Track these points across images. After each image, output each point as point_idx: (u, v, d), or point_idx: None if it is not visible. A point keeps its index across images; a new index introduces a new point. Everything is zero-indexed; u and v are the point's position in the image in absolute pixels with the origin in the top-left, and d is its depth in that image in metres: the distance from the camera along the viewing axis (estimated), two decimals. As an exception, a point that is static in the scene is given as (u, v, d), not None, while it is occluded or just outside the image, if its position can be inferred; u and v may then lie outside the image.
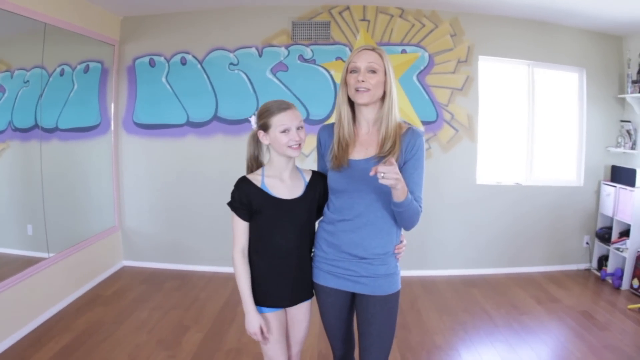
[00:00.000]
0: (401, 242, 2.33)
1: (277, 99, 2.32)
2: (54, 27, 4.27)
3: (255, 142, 2.36)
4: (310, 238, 2.39)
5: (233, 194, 2.28)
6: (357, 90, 2.16)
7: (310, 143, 5.22)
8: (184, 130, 5.41)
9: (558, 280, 5.38)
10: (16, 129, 4.05)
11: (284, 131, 2.20)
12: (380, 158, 2.15)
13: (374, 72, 2.15)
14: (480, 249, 5.56)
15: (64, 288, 4.54)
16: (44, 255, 4.29)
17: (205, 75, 5.33)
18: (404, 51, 5.25)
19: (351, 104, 2.27)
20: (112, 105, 5.36)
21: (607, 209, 5.40)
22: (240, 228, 2.29)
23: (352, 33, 5.25)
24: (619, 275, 5.10)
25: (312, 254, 2.41)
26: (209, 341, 3.90)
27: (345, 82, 2.23)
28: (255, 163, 2.40)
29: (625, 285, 5.03)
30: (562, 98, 5.66)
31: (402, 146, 2.17)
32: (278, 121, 2.21)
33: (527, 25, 5.35)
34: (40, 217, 4.28)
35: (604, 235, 5.44)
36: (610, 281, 5.25)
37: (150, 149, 5.48)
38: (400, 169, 2.14)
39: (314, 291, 2.42)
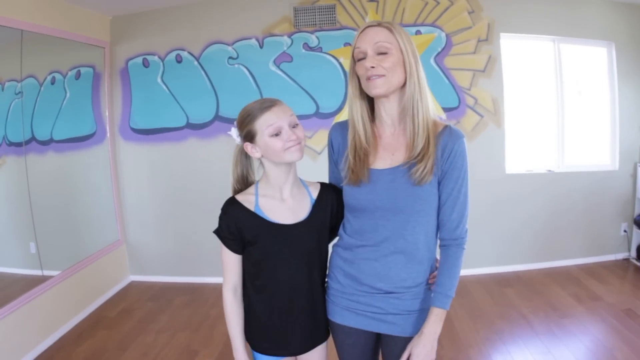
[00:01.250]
0: (437, 267, 1.88)
1: (268, 97, 1.85)
2: (39, 34, 3.99)
3: (245, 158, 1.92)
4: (321, 268, 1.95)
5: (220, 220, 1.85)
6: (368, 79, 1.70)
7: (322, 139, 5.02)
8: (185, 133, 5.04)
9: (596, 273, 4.96)
10: (11, 144, 3.83)
11: (275, 134, 1.75)
12: (412, 165, 1.71)
13: (384, 53, 1.69)
14: (512, 244, 5.14)
15: (66, 311, 4.27)
16: (49, 273, 4.07)
17: (203, 72, 4.94)
18: (418, 32, 4.79)
19: (369, 99, 1.83)
20: (107, 112, 5.00)
21: (645, 193, 4.94)
22: (231, 262, 1.89)
23: (360, 15, 4.80)
24: (660, 264, 4.67)
25: (325, 284, 1.97)
26: (219, 369, 3.56)
27: (354, 74, 1.79)
28: (243, 185, 1.96)
29: (669, 275, 4.60)
30: (591, 75, 5.16)
31: (437, 150, 1.72)
32: (264, 123, 1.76)
33: (550, -5, 4.86)
34: (42, 235, 4.05)
35: (643, 222, 4.99)
36: (652, 271, 4.81)
37: (149, 155, 5.14)
38: (439, 182, 1.74)
39: (331, 330, 1.98)
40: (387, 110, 1.80)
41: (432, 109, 1.78)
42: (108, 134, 5.04)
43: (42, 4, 4.06)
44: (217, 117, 4.98)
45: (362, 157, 1.80)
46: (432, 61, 4.80)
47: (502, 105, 4.89)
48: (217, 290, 4.99)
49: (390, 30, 1.72)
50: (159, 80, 4.99)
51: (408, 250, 1.78)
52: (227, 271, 1.90)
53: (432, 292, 1.79)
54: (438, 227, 1.83)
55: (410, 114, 1.74)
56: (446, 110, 4.86)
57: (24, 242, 3.99)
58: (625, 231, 5.25)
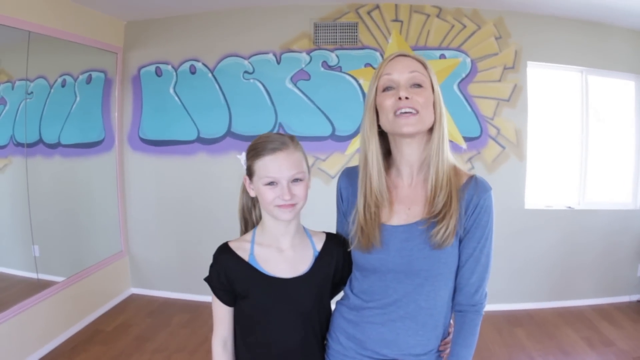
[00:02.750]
0: (449, 333, 1.70)
1: (283, 136, 1.65)
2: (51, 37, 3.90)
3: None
4: (321, 327, 1.75)
5: (211, 268, 1.68)
6: (398, 113, 1.49)
7: (337, 162, 4.87)
8: (195, 148, 4.88)
9: (610, 315, 4.80)
10: (18, 144, 3.74)
11: (269, 183, 1.57)
12: (432, 225, 1.52)
13: (419, 86, 1.49)
14: (526, 282, 4.97)
15: (63, 321, 4.16)
16: (50, 278, 4.02)
17: (217, 85, 4.77)
18: (442, 56, 4.60)
19: (384, 139, 1.62)
20: (116, 120, 4.86)
21: (665, 235, 4.75)
22: (221, 313, 1.70)
23: (382, 36, 4.62)
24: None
25: (324, 344, 1.78)
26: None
27: (373, 106, 1.57)
28: (249, 216, 1.79)
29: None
30: (618, 109, 4.97)
31: (462, 205, 1.54)
32: (262, 167, 1.58)
33: (579, 26, 4.65)
34: (45, 238, 4.00)
35: (661, 265, 4.81)
36: (665, 316, 4.64)
37: (157, 167, 4.99)
38: (460, 240, 1.56)
39: None
40: (407, 155, 1.60)
41: (451, 155, 1.60)
42: (116, 143, 4.90)
43: (54, 6, 3.93)
44: (229, 133, 4.82)
45: (373, 211, 1.60)
46: (455, 87, 4.62)
47: (525, 137, 4.71)
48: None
49: (425, 66, 1.54)
50: (171, 90, 4.83)
51: (421, 316, 1.60)
52: (217, 322, 1.72)
53: None
54: (455, 290, 1.66)
55: (434, 162, 1.55)
56: (467, 139, 4.68)
57: (26, 244, 3.89)
58: (641, 272, 5.10)
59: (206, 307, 4.95)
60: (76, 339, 4.20)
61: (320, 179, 4.80)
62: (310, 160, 4.70)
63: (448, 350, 1.71)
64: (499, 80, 4.64)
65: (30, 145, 3.89)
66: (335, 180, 4.52)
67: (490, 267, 1.61)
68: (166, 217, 5.10)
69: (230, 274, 1.65)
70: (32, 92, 3.86)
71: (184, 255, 5.12)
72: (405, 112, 1.49)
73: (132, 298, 5.15)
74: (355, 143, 4.73)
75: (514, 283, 4.96)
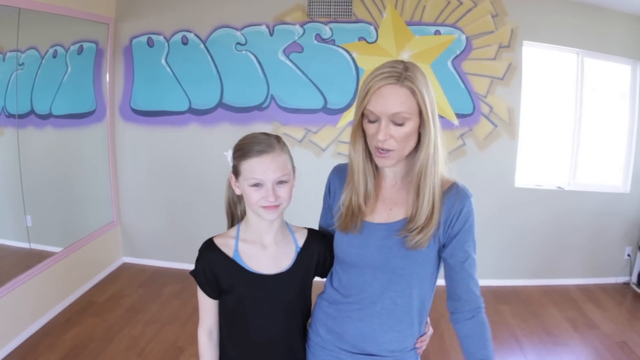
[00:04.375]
0: (425, 333, 1.76)
1: (270, 137, 1.65)
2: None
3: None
4: (303, 319, 1.80)
5: (196, 263, 1.71)
6: (376, 149, 1.52)
7: (328, 135, 4.87)
8: (186, 118, 4.87)
9: (595, 296, 4.86)
10: (10, 115, 3.73)
11: (254, 185, 1.59)
12: (410, 231, 1.55)
13: (401, 124, 1.48)
14: (514, 259, 5.03)
15: (56, 294, 4.20)
16: (43, 248, 4.07)
17: (209, 57, 4.72)
18: (437, 32, 4.55)
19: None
20: (108, 90, 4.82)
21: (654, 221, 4.76)
22: (207, 305, 1.74)
23: (377, 10, 4.55)
24: (660, 297, 4.54)
25: (306, 336, 1.84)
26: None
27: (360, 125, 1.57)
28: (235, 211, 1.81)
29: (665, 310, 4.48)
30: (613, 93, 4.93)
31: (443, 212, 1.56)
32: (248, 169, 1.59)
33: (577, 8, 4.57)
34: (37, 209, 4.02)
35: (648, 250, 4.83)
36: (649, 301, 4.68)
37: (149, 138, 4.98)
38: (442, 245, 1.60)
39: None
40: (392, 169, 1.64)
41: (443, 166, 1.60)
42: (108, 113, 4.87)
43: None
44: (221, 104, 4.79)
45: (356, 212, 1.64)
46: (449, 64, 4.58)
47: (518, 116, 4.69)
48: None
49: (413, 92, 1.47)
50: (163, 61, 4.78)
51: (396, 312, 1.64)
52: (202, 314, 1.77)
53: None
54: (431, 291, 1.70)
55: (422, 177, 1.55)
56: (459, 116, 4.67)
57: (19, 214, 3.91)
58: (628, 255, 5.11)
59: (197, 277, 5.04)
60: (69, 311, 4.24)
61: (311, 152, 4.82)
62: (302, 133, 4.79)
63: (424, 347, 1.77)
64: (494, 59, 4.59)
65: (21, 117, 3.87)
66: (326, 153, 4.50)
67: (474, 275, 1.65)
68: (158, 187, 5.11)
69: (215, 269, 1.68)
70: (23, 64, 3.82)
71: (175, 225, 5.16)
72: (381, 152, 1.51)
73: (124, 267, 5.21)
74: (347, 116, 4.73)
75: (501, 259, 5.02)
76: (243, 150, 1.61)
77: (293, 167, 1.70)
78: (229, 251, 1.70)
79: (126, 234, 5.26)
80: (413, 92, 1.47)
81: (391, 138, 1.49)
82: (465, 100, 4.66)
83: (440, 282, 1.68)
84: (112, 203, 5.09)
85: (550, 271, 5.09)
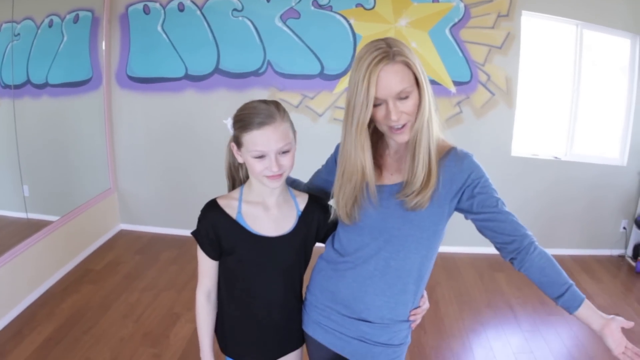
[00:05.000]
0: (419, 306, 1.79)
1: (270, 107, 1.62)
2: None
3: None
4: (300, 284, 1.87)
5: (199, 223, 1.73)
6: (391, 129, 1.54)
7: (325, 100, 4.86)
8: (183, 85, 4.85)
9: (590, 268, 4.87)
10: (6, 86, 3.74)
11: (258, 156, 1.60)
12: (409, 193, 1.58)
13: (406, 98, 1.50)
14: (509, 228, 5.02)
15: (54, 262, 4.23)
16: (40, 217, 4.09)
17: (205, 23, 4.68)
18: (435, 0, 4.51)
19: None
20: (104, 58, 4.80)
21: (650, 194, 4.75)
22: (207, 266, 1.77)
23: (375, -23, 4.52)
24: (654, 271, 4.55)
25: (302, 297, 1.91)
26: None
27: (365, 123, 1.56)
28: (236, 174, 1.83)
29: (660, 284, 4.48)
30: (611, 66, 4.89)
31: (441, 176, 1.58)
32: (250, 141, 1.59)
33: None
34: (34, 179, 4.05)
35: (644, 223, 4.82)
36: (645, 276, 4.67)
37: (145, 104, 4.96)
38: (463, 211, 1.65)
39: (305, 337, 1.92)
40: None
41: (438, 129, 1.62)
42: (104, 81, 4.86)
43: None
44: (217, 70, 4.78)
45: (356, 198, 1.65)
46: (447, 31, 4.55)
47: (516, 85, 4.67)
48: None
49: (407, 65, 1.49)
50: (159, 28, 4.74)
51: (388, 275, 1.66)
52: (202, 275, 1.80)
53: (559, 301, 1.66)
54: (429, 262, 1.72)
55: (420, 141, 1.56)
56: (457, 84, 4.66)
57: (17, 184, 3.92)
58: (624, 228, 5.12)
59: (193, 243, 5.00)
60: (67, 279, 4.27)
61: (308, 117, 4.83)
62: (298, 99, 4.78)
63: (418, 321, 1.79)
64: (492, 27, 4.55)
65: (17, 87, 3.87)
66: (323, 118, 4.47)
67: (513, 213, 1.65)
68: (154, 154, 5.12)
69: (218, 230, 1.70)
70: (18, 34, 3.81)
71: (172, 191, 5.19)
72: (398, 128, 1.53)
73: (121, 234, 5.24)
74: (344, 82, 4.71)
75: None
76: (244, 121, 1.61)
77: (294, 132, 1.69)
78: (232, 212, 1.71)
79: (123, 201, 5.28)
80: (407, 65, 1.50)
81: (402, 114, 1.51)
82: (462, 68, 4.64)
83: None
84: (109, 170, 5.10)
85: (546, 241, 4.99)
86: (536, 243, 1.65)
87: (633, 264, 4.91)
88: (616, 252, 5.18)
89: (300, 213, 1.78)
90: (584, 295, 1.61)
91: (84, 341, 3.42)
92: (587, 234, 5.14)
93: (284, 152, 1.62)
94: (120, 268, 4.49)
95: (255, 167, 1.61)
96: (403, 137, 1.55)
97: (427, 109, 1.54)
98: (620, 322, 1.56)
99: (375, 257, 1.66)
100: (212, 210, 1.72)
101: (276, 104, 1.64)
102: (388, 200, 1.62)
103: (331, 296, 1.76)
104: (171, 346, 3.43)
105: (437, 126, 1.61)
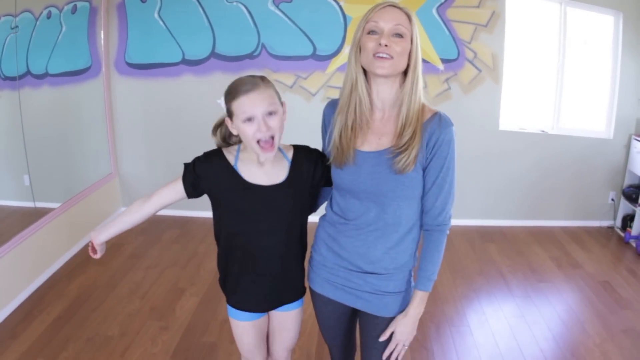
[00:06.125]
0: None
1: (254, 76, 1.80)
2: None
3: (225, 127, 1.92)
4: (300, 233, 1.97)
5: (197, 159, 1.89)
6: (376, 56, 1.66)
7: (317, 81, 4.99)
8: (180, 69, 4.98)
9: (579, 238, 5.02)
10: (6, 78, 3.79)
11: (247, 119, 1.73)
12: (396, 154, 1.71)
13: (400, 36, 1.66)
14: (499, 199, 5.22)
15: (59, 246, 4.33)
16: (42, 205, 4.12)
17: (201, 9, 4.81)
18: (422, -19, 4.66)
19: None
20: (103, 46, 4.92)
21: (637, 167, 4.88)
22: (170, 190, 1.94)
23: (365, -42, 4.65)
24: (644, 240, 4.68)
25: (304, 252, 2.03)
26: (203, 308, 3.68)
27: (358, 45, 1.73)
28: (229, 139, 1.98)
29: (649, 252, 4.63)
30: (595, 42, 5.04)
31: (423, 138, 1.71)
32: (238, 107, 1.74)
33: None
34: (36, 168, 4.07)
35: (631, 195, 4.95)
36: (634, 245, 4.80)
37: (144, 90, 5.09)
38: (424, 170, 1.75)
39: (311, 295, 2.05)
40: (381, 92, 1.77)
41: (423, 96, 1.77)
42: (103, 68, 4.97)
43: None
44: (213, 54, 4.91)
45: (349, 133, 1.79)
46: (434, 11, 4.70)
47: (502, 61, 4.83)
48: (205, 224, 5.12)
49: (409, 18, 1.69)
50: (156, 15, 4.86)
51: (387, 231, 1.81)
52: (159, 191, 1.96)
53: (417, 276, 1.85)
54: (422, 212, 1.86)
55: (406, 102, 1.72)
56: (444, 61, 4.81)
57: (18, 174, 4.02)
58: (612, 200, 5.27)
59: (195, 222, 5.22)
60: (73, 262, 4.37)
61: (301, 97, 4.96)
62: (292, 79, 4.91)
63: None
64: (478, 7, 4.71)
65: (18, 78, 3.93)
66: (316, 98, 4.60)
67: (453, 193, 1.80)
68: (154, 137, 5.25)
69: (215, 174, 1.85)
70: (17, 26, 3.87)
71: (172, 173, 5.04)
72: (382, 57, 1.65)
73: (123, 217, 5.33)
74: (335, 62, 4.86)
75: (486, 200, 5.23)
76: (232, 92, 1.76)
77: (281, 100, 1.83)
78: (231, 159, 1.85)
79: (124, 185, 5.41)
80: (409, 18, 1.69)
81: (393, 45, 1.65)
82: (450, 46, 4.79)
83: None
84: (110, 155, 5.22)
85: (536, 213, 5.27)
86: (444, 232, 1.84)
87: (622, 234, 5.04)
88: (605, 223, 5.32)
89: (290, 162, 1.90)
90: (429, 289, 1.84)
91: (93, 318, 3.53)
92: (576, 206, 5.28)
93: (271, 114, 1.75)
94: (124, 249, 4.62)
95: (247, 131, 1.74)
96: (382, 65, 1.66)
97: (417, 73, 1.72)
98: (413, 319, 1.85)
99: (374, 217, 1.80)
100: (216, 155, 1.88)
101: (261, 77, 1.81)
102: (379, 165, 1.75)
103: (337, 255, 1.90)
104: (177, 318, 3.55)
105: (422, 91, 1.75)
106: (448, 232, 1.84)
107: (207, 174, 1.85)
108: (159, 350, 3.21)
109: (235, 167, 1.84)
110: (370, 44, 1.68)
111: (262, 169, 1.85)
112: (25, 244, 3.81)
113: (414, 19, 1.70)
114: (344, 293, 1.92)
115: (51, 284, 4.00)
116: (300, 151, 1.94)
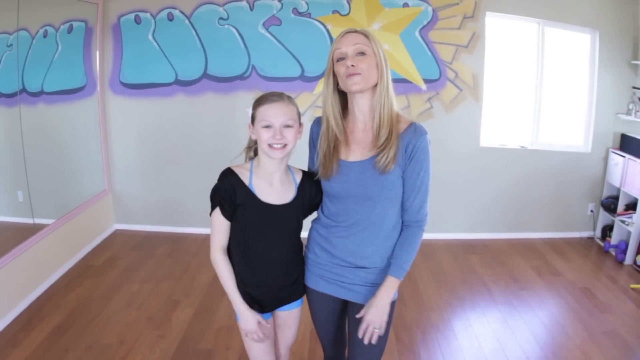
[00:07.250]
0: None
1: (281, 93, 2.03)
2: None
3: None
4: (298, 243, 2.19)
5: (217, 186, 2.02)
6: (347, 76, 1.89)
7: (305, 101, 5.19)
8: (173, 89, 5.14)
9: (560, 248, 5.21)
10: (1, 95, 3.88)
11: (266, 126, 1.94)
12: (377, 153, 1.95)
13: (362, 54, 1.90)
14: (481, 213, 5.40)
15: (55, 261, 4.42)
16: (37, 221, 4.17)
17: (193, 32, 5.00)
18: (405, 5, 4.88)
19: (341, 97, 2.03)
20: (98, 66, 5.06)
21: (614, 178, 5.11)
22: (222, 226, 2.06)
23: (350, -15, 4.88)
24: (622, 248, 4.87)
25: (302, 254, 2.23)
26: (199, 318, 3.80)
27: (331, 73, 1.98)
28: (252, 152, 2.17)
29: (628, 260, 4.81)
30: (572, 60, 5.28)
31: (401, 145, 1.94)
32: (261, 114, 1.96)
33: (537, -20, 4.95)
34: (30, 184, 4.13)
35: (610, 206, 5.17)
36: (613, 253, 5.01)
37: (138, 109, 5.24)
38: (403, 172, 1.97)
39: (306, 292, 2.25)
40: (360, 105, 1.99)
41: (395, 104, 1.99)
42: (98, 88, 5.10)
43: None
44: (205, 75, 5.08)
45: (332, 150, 2.01)
46: (417, 34, 4.92)
47: (482, 80, 5.06)
48: (197, 240, 5.25)
49: (367, 36, 1.93)
50: (150, 37, 5.04)
51: (374, 229, 2.02)
52: (216, 233, 2.07)
53: (391, 264, 2.02)
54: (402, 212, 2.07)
55: (378, 109, 1.95)
56: (427, 81, 5.03)
57: (12, 190, 4.09)
58: (592, 211, 5.47)
59: (186, 238, 5.34)
60: (69, 275, 4.46)
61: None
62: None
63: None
64: (459, 28, 4.94)
65: (13, 95, 4.00)
66: (304, 118, 4.84)
67: (429, 193, 2.03)
68: (147, 156, 5.37)
69: (235, 188, 2.00)
70: (11, 45, 3.93)
71: (164, 191, 5.44)
72: (352, 74, 1.89)
73: (117, 234, 5.46)
74: (322, 83, 4.98)
75: (470, 215, 5.41)
76: (260, 100, 2.00)
77: (299, 119, 2.05)
78: (245, 180, 2.03)
79: (117, 202, 5.51)
80: (367, 37, 1.95)
81: (358, 63, 1.89)
82: (432, 66, 5.01)
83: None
84: (104, 173, 5.33)
85: (517, 225, 5.47)
86: (422, 228, 2.07)
87: (602, 244, 5.23)
88: (585, 234, 5.54)
89: (298, 186, 2.12)
90: (401, 278, 2.02)
91: (91, 328, 3.63)
92: (557, 218, 5.49)
93: (287, 126, 1.96)
94: (118, 263, 4.71)
95: (263, 136, 1.95)
96: (354, 81, 1.90)
97: (386, 80, 1.94)
98: (383, 302, 2.01)
99: (362, 219, 2.02)
100: (230, 174, 2.03)
101: (288, 95, 2.03)
102: (364, 173, 1.97)
103: (330, 254, 2.10)
104: (174, 327, 3.66)
105: (393, 97, 1.98)
106: (424, 229, 2.05)
107: (234, 191, 2.00)
108: (157, 357, 3.31)
109: (250, 186, 2.02)
110: (341, 69, 1.92)
111: (273, 189, 2.05)
112: (21, 257, 3.89)
113: (372, 36, 1.94)
114: (336, 287, 2.12)
115: (49, 296, 4.09)
116: (307, 178, 2.15)
